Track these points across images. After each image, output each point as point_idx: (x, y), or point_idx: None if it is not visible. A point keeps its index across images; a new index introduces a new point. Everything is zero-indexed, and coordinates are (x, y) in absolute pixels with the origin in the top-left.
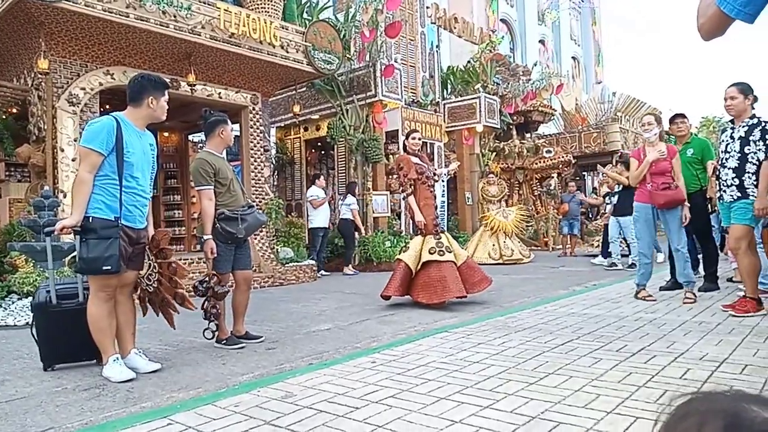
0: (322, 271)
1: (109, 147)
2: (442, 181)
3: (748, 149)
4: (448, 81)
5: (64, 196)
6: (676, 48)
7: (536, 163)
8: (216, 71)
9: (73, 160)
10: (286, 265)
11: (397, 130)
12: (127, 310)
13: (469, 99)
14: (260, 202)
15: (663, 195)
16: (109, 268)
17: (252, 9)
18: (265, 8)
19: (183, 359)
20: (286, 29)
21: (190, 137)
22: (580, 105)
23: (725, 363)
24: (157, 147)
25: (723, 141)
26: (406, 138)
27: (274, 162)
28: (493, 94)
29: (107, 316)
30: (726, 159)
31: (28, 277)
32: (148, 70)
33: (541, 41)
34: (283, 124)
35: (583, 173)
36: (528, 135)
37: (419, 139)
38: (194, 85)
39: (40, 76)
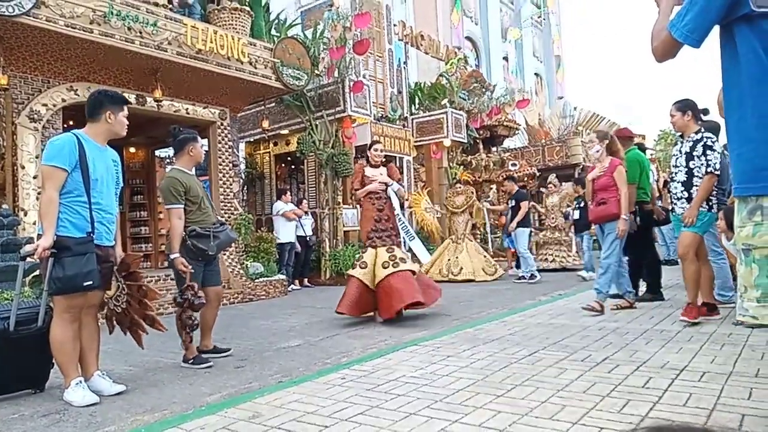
0: (292, 286)
1: (72, 163)
2: (393, 192)
3: (693, 164)
4: (416, 96)
5: (25, 215)
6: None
7: (502, 176)
8: (183, 87)
9: (34, 177)
10: (256, 280)
11: (367, 145)
12: (92, 331)
13: (436, 114)
14: (229, 217)
15: (593, 211)
16: (90, 283)
17: (219, 25)
18: (232, 25)
19: (149, 380)
20: (254, 45)
21: (157, 153)
22: (543, 120)
23: (685, 371)
24: (121, 163)
25: (673, 155)
26: (369, 148)
27: (243, 177)
28: (460, 109)
29: (72, 339)
30: (675, 173)
31: None
32: (114, 86)
33: (505, 58)
34: (252, 139)
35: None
36: (494, 149)
37: (381, 150)
38: (161, 100)
39: None
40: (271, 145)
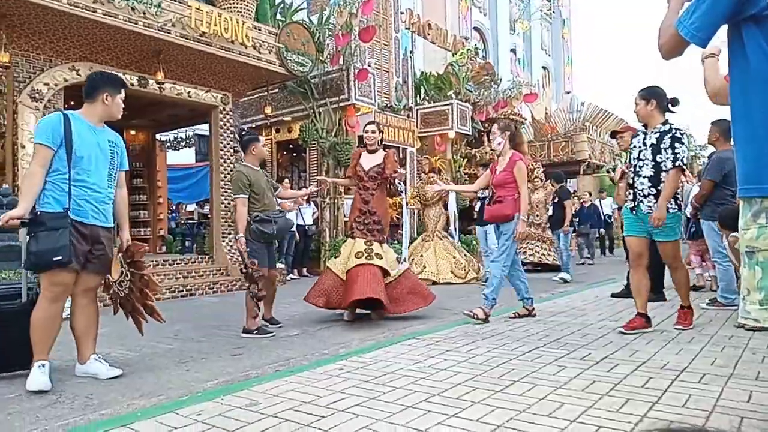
0: (291, 275)
1: (56, 141)
2: (399, 184)
3: (660, 158)
4: (422, 86)
5: None
6: (649, 55)
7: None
8: (186, 70)
9: None
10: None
11: None
12: (89, 314)
13: (441, 105)
14: (229, 203)
15: (488, 210)
16: (60, 258)
17: (224, 8)
18: (237, 8)
19: (146, 365)
20: (259, 30)
21: (158, 136)
22: (550, 114)
23: (685, 372)
24: (124, 145)
25: (635, 147)
26: (362, 129)
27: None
28: (466, 101)
29: (49, 318)
30: (640, 167)
31: None
32: (116, 67)
33: (513, 50)
34: (254, 125)
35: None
36: None
37: (372, 132)
38: (163, 83)
39: (0, 70)
40: (273, 131)
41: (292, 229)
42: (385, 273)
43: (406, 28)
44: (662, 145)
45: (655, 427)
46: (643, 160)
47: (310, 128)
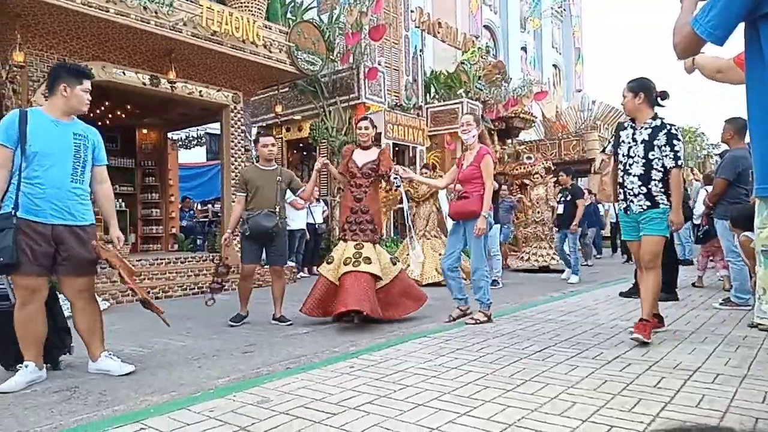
0: (301, 273)
1: (12, 139)
2: (395, 179)
3: (653, 155)
4: (432, 85)
5: None
6: (661, 54)
7: (517, 169)
8: (197, 69)
9: None
10: (266, 266)
11: (380, 133)
12: (89, 314)
13: (451, 104)
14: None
15: (454, 205)
16: (2, 260)
17: (235, 7)
18: (248, 7)
19: (158, 362)
20: (270, 29)
21: (170, 135)
22: (561, 113)
23: (698, 372)
24: (134, 144)
25: (624, 142)
26: (355, 125)
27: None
28: (476, 100)
29: (23, 321)
30: (630, 165)
31: None
32: (128, 66)
33: (523, 48)
34: (264, 124)
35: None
36: (509, 141)
37: (365, 128)
38: (174, 82)
39: (15, 69)
40: (284, 130)
41: (301, 228)
42: (377, 278)
43: (416, 27)
44: (656, 142)
45: (669, 427)
46: (633, 157)
47: (320, 127)
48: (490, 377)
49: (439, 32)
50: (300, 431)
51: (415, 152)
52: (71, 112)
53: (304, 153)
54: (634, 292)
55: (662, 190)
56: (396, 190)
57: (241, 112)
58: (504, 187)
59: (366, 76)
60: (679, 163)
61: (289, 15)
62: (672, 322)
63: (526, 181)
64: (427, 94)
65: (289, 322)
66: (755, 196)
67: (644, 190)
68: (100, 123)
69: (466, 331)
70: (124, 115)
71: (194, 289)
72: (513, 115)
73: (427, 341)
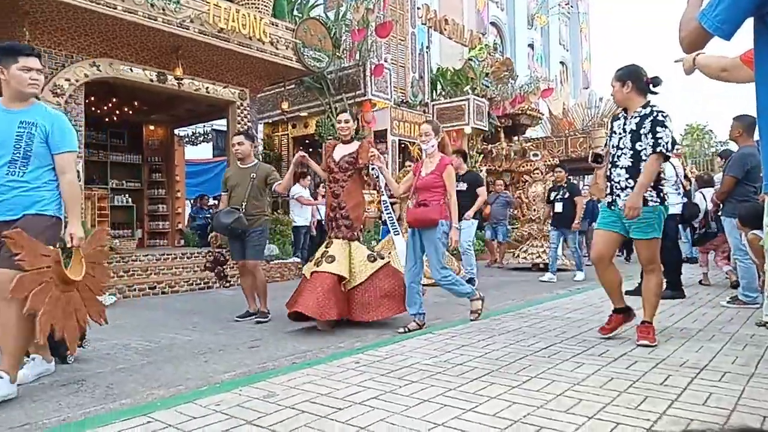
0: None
1: None
2: (374, 171)
3: (640, 145)
4: (438, 82)
5: None
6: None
7: (523, 166)
8: (204, 66)
9: None
10: (271, 262)
11: (386, 130)
12: (4, 320)
13: (457, 101)
14: None
15: (412, 212)
16: None
17: (242, 5)
18: (255, 4)
19: (164, 356)
20: (276, 26)
21: (176, 131)
22: (568, 110)
23: (705, 370)
24: (140, 141)
25: (615, 133)
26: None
27: (260, 158)
28: (482, 97)
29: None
30: (618, 156)
31: None
32: (135, 63)
33: (530, 45)
34: (270, 121)
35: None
36: (515, 138)
37: (345, 122)
38: (182, 79)
39: None
40: (290, 127)
41: (307, 224)
42: (341, 278)
43: (422, 24)
44: (642, 131)
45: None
46: (621, 149)
47: (327, 123)
48: (495, 374)
49: (445, 29)
50: (306, 425)
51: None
52: (19, 98)
53: (310, 150)
54: (640, 292)
55: (652, 185)
56: (375, 179)
57: (248, 108)
58: (499, 182)
59: (372, 73)
60: (659, 149)
61: (295, 12)
62: (679, 320)
63: (526, 178)
64: (434, 91)
65: (257, 319)
66: (764, 194)
67: (632, 183)
68: (107, 119)
69: (471, 328)
70: (131, 112)
71: (200, 284)
72: (519, 112)
73: (432, 337)
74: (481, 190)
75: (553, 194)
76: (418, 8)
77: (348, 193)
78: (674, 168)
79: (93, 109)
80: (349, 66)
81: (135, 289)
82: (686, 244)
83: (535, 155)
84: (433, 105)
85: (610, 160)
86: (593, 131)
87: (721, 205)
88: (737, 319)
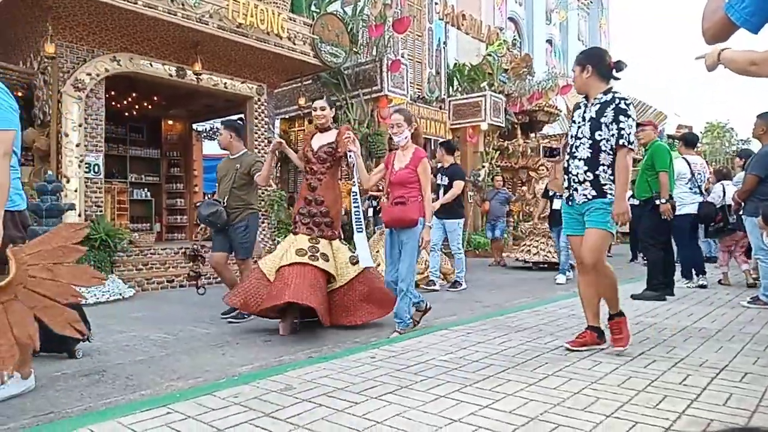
0: None
1: None
2: (351, 159)
3: (600, 134)
4: (455, 78)
5: (67, 181)
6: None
7: (539, 163)
8: (222, 61)
9: (77, 145)
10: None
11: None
12: None
13: (474, 97)
14: (262, 193)
15: (388, 211)
16: None
17: (260, 0)
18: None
19: (182, 348)
20: (294, 21)
21: (194, 126)
22: None
23: (725, 370)
24: (158, 135)
25: (574, 122)
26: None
27: (278, 153)
28: (499, 93)
29: None
30: (576, 147)
31: None
32: (155, 58)
33: (548, 41)
34: (287, 116)
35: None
36: (532, 135)
37: (321, 108)
38: (200, 74)
39: (46, 60)
40: (306, 122)
41: None
42: (330, 278)
43: (439, 19)
44: (603, 119)
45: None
46: (580, 138)
47: (343, 119)
48: (512, 371)
49: (463, 24)
50: (323, 419)
51: (437, 145)
52: None
53: None
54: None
55: (611, 177)
56: (352, 167)
57: (265, 103)
58: (498, 177)
59: (389, 69)
60: (623, 142)
61: (313, 7)
62: (698, 320)
63: (532, 174)
64: (450, 87)
65: (229, 319)
66: None
67: (590, 176)
68: (127, 114)
69: (487, 325)
70: (150, 106)
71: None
72: (537, 108)
73: (447, 333)
74: (458, 184)
75: (551, 191)
76: (436, 3)
77: (326, 186)
78: (689, 165)
79: (113, 103)
80: (366, 61)
81: (153, 282)
82: (704, 243)
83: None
84: (450, 101)
85: (568, 151)
86: None
87: (743, 204)
88: (758, 319)
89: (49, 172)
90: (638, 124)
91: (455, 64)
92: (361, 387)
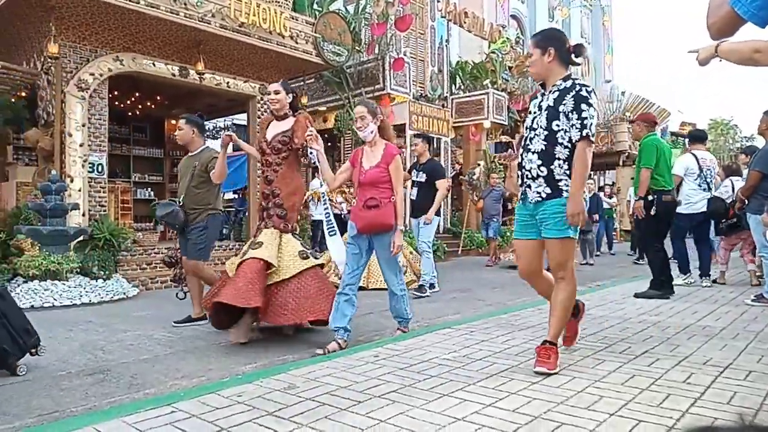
0: None
1: None
2: (312, 155)
3: (557, 125)
4: (457, 76)
5: (71, 181)
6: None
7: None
8: (225, 60)
9: (80, 145)
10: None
11: (405, 124)
12: None
13: (477, 95)
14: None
15: (362, 216)
16: None
17: None
18: None
19: (186, 347)
20: (296, 20)
21: None
22: None
23: (729, 368)
24: (163, 135)
25: (530, 112)
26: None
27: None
28: (502, 90)
29: None
30: (531, 139)
31: (34, 260)
32: (157, 58)
33: None
34: None
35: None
36: None
37: (275, 92)
38: (203, 73)
39: (49, 60)
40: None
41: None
42: (269, 265)
43: (442, 17)
44: (562, 108)
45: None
46: (534, 130)
47: (345, 118)
48: (515, 369)
49: (465, 22)
50: (327, 417)
51: (440, 143)
52: None
53: (329, 144)
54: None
55: (568, 173)
56: (312, 164)
57: (268, 103)
58: (494, 175)
59: (391, 67)
60: (585, 133)
61: (315, 6)
62: (701, 318)
63: None
64: (453, 85)
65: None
66: None
67: (544, 171)
68: (130, 113)
69: (490, 324)
70: (153, 106)
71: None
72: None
73: (451, 332)
74: (441, 183)
75: None
76: (438, 1)
77: (282, 178)
78: (697, 161)
79: (116, 103)
80: (369, 60)
81: (157, 281)
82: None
83: None
84: (452, 99)
85: (522, 144)
86: (615, 125)
87: (746, 202)
88: (762, 317)
89: (53, 172)
90: (630, 121)
91: (458, 62)
92: (365, 386)
